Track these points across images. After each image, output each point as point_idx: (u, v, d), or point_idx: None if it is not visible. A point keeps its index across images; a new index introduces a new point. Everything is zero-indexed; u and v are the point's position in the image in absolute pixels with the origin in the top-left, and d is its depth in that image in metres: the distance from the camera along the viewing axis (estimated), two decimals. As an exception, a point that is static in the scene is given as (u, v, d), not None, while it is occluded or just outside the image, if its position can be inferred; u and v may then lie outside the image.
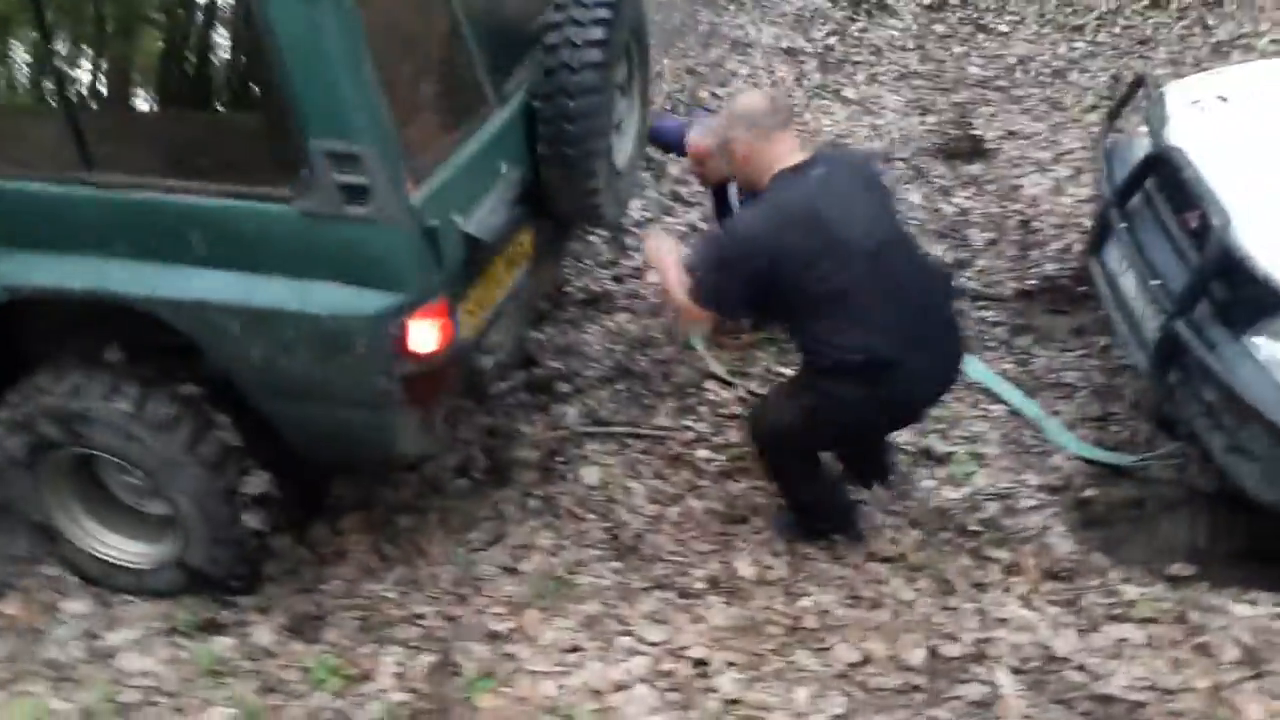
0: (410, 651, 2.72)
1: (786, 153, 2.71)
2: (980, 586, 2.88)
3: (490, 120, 2.81)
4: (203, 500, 2.78)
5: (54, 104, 2.43)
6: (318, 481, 3.39)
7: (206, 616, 2.93)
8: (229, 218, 2.45)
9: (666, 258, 2.88)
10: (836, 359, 2.66)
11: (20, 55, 2.47)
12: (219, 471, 2.77)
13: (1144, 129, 3.55)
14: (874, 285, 2.61)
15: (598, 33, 2.84)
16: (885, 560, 3.01)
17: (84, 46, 2.45)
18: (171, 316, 2.57)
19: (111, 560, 3.03)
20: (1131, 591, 2.79)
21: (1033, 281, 4.38)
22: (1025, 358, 4.01)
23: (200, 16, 2.39)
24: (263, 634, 2.85)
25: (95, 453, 2.81)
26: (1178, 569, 2.94)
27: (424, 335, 2.49)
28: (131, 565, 3.02)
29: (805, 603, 2.80)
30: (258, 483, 2.85)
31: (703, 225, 4.52)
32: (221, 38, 2.40)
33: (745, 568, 3.01)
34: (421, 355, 2.51)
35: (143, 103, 2.51)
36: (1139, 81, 3.78)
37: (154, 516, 2.99)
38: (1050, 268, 4.43)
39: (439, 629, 2.79)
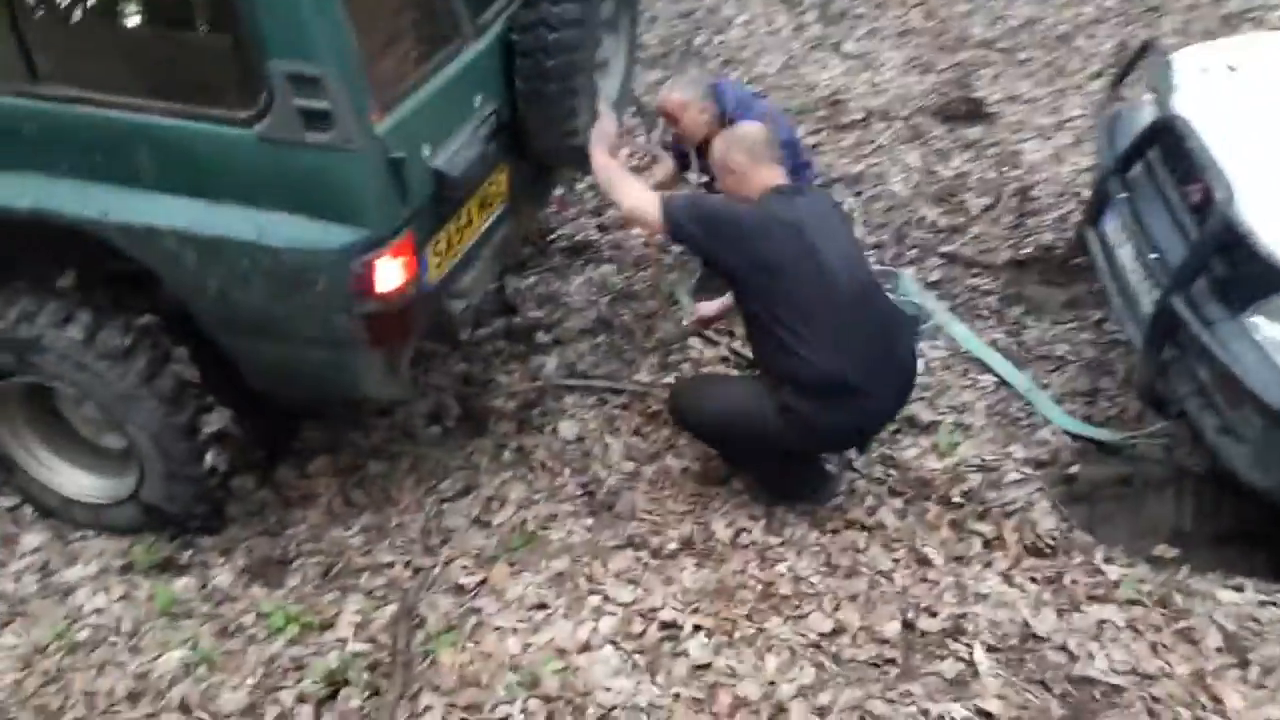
0: (373, 601, 2.64)
1: (773, 179, 2.84)
2: (960, 560, 2.80)
3: (465, 51, 2.65)
4: (159, 435, 2.67)
5: (2, 14, 2.26)
6: (285, 421, 3.28)
7: (165, 555, 2.85)
8: (184, 140, 2.31)
9: (616, 171, 2.94)
10: (804, 372, 2.68)
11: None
12: (176, 406, 2.66)
13: (1148, 96, 3.41)
14: (850, 317, 2.73)
15: (585, -39, 2.68)
16: (864, 529, 2.92)
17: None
18: (123, 242, 2.43)
19: (68, 494, 2.94)
20: (1114, 571, 2.71)
21: (1028, 250, 4.26)
22: (1016, 328, 3.90)
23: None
24: (223, 576, 2.77)
25: (49, 383, 2.70)
26: (1162, 550, 2.86)
27: (387, 273, 2.37)
28: (89, 500, 2.94)
29: (780, 568, 2.72)
30: (217, 419, 2.74)
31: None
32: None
33: (721, 530, 2.92)
34: (384, 294, 2.39)
35: (94, 13, 2.33)
36: (1145, 47, 3.64)
37: (112, 451, 2.89)
38: (1047, 237, 4.30)
39: (404, 580, 2.71)
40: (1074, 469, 3.13)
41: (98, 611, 2.64)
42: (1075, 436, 3.29)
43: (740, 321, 3.65)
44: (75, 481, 2.94)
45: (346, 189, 2.30)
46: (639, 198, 2.85)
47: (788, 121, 4.12)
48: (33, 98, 2.33)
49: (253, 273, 2.39)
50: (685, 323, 3.69)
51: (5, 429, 2.86)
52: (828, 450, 3.06)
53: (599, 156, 2.94)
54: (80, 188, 2.41)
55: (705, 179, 3.74)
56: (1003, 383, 3.58)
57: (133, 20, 2.32)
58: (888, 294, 3.75)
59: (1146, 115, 3.31)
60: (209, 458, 2.74)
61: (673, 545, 2.80)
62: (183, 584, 2.72)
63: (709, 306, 3.46)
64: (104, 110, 2.31)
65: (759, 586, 2.66)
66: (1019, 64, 5.41)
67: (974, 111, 5.08)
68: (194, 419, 2.70)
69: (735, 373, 3.55)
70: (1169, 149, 3.09)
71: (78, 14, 2.32)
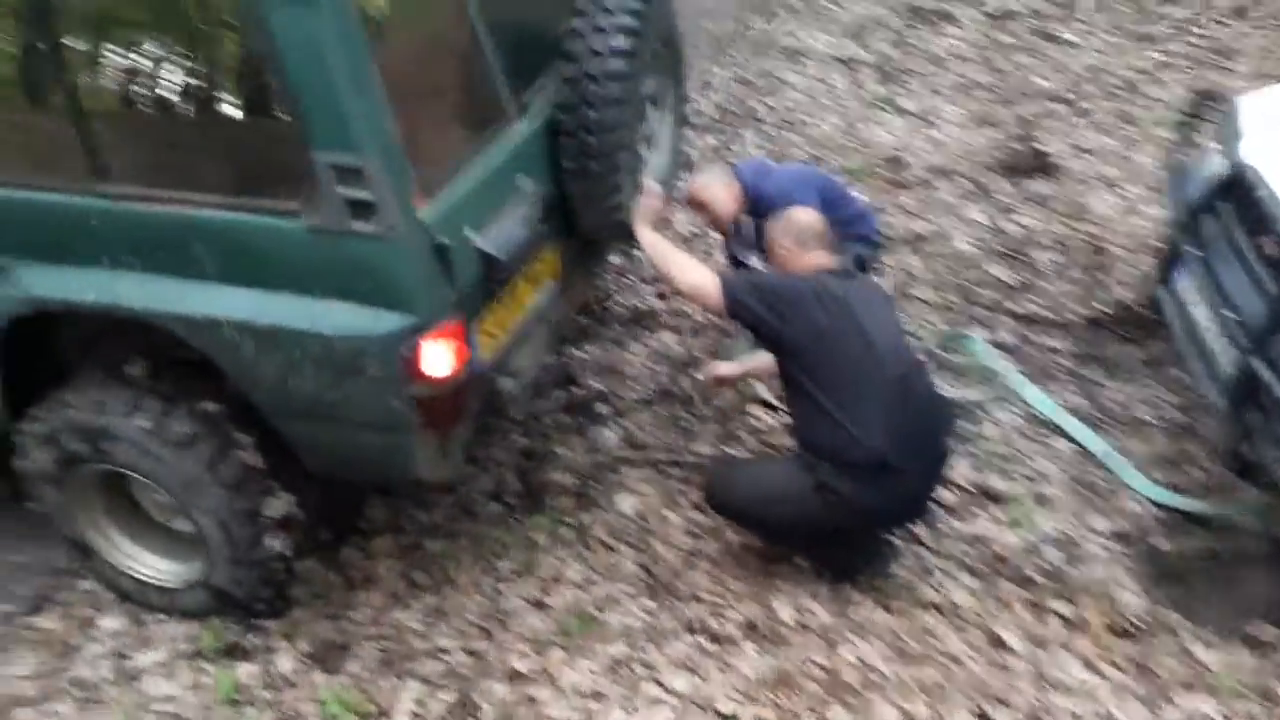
0: (430, 688, 2.60)
1: (822, 264, 2.93)
2: (1038, 643, 2.64)
3: (509, 132, 2.68)
4: (224, 521, 2.70)
5: (67, 116, 2.37)
6: (349, 503, 3.30)
7: (231, 640, 2.86)
8: (239, 232, 2.36)
9: (665, 248, 2.98)
10: (848, 449, 2.66)
11: (35, 68, 2.41)
12: (240, 492, 2.69)
13: (1216, 146, 3.28)
14: (896, 397, 2.72)
15: (622, 41, 2.69)
16: (935, 609, 2.79)
17: (96, 59, 2.37)
18: (184, 332, 2.49)
19: (143, 578, 2.98)
20: (1208, 656, 2.53)
21: (1102, 308, 4.10)
22: (1093, 389, 3.74)
23: (208, 28, 2.30)
24: (285, 661, 2.76)
25: (122, 469, 2.75)
26: (1259, 631, 2.66)
27: (437, 358, 2.37)
28: (162, 584, 2.97)
29: (845, 653, 2.60)
30: (280, 505, 2.77)
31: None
32: (229, 49, 2.30)
33: (785, 611, 2.82)
34: (434, 378, 2.39)
35: (153, 114, 2.42)
36: (1210, 95, 3.52)
37: (184, 535, 2.93)
38: (1122, 293, 4.15)
39: (461, 665, 2.66)
40: (1161, 543, 2.95)
41: (167, 698, 2.65)
42: (1161, 506, 3.12)
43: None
44: (149, 565, 2.98)
45: (392, 276, 2.32)
46: (695, 275, 2.87)
47: (840, 185, 4.08)
48: (98, 196, 2.42)
49: (306, 360, 2.42)
50: (702, 377, 3.63)
51: (83, 514, 2.92)
52: (867, 531, 2.97)
53: (645, 233, 2.95)
54: (144, 281, 2.47)
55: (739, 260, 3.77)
56: (1081, 449, 3.42)
57: (187, 120, 2.39)
58: (957, 356, 3.72)
59: (1215, 166, 3.18)
60: (272, 542, 2.77)
61: (733, 629, 2.70)
62: (246, 670, 2.72)
63: (728, 367, 3.45)
64: (163, 206, 2.38)
65: (822, 674, 2.55)
66: (1084, 114, 5.29)
67: (1039, 165, 4.97)
68: (257, 504, 2.73)
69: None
70: (1240, 200, 2.95)
71: (138, 117, 2.41)
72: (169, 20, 2.32)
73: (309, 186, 2.25)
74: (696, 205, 3.69)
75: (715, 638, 2.68)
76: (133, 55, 2.37)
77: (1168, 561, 2.87)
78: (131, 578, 2.96)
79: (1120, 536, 3.02)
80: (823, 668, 2.56)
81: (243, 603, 2.87)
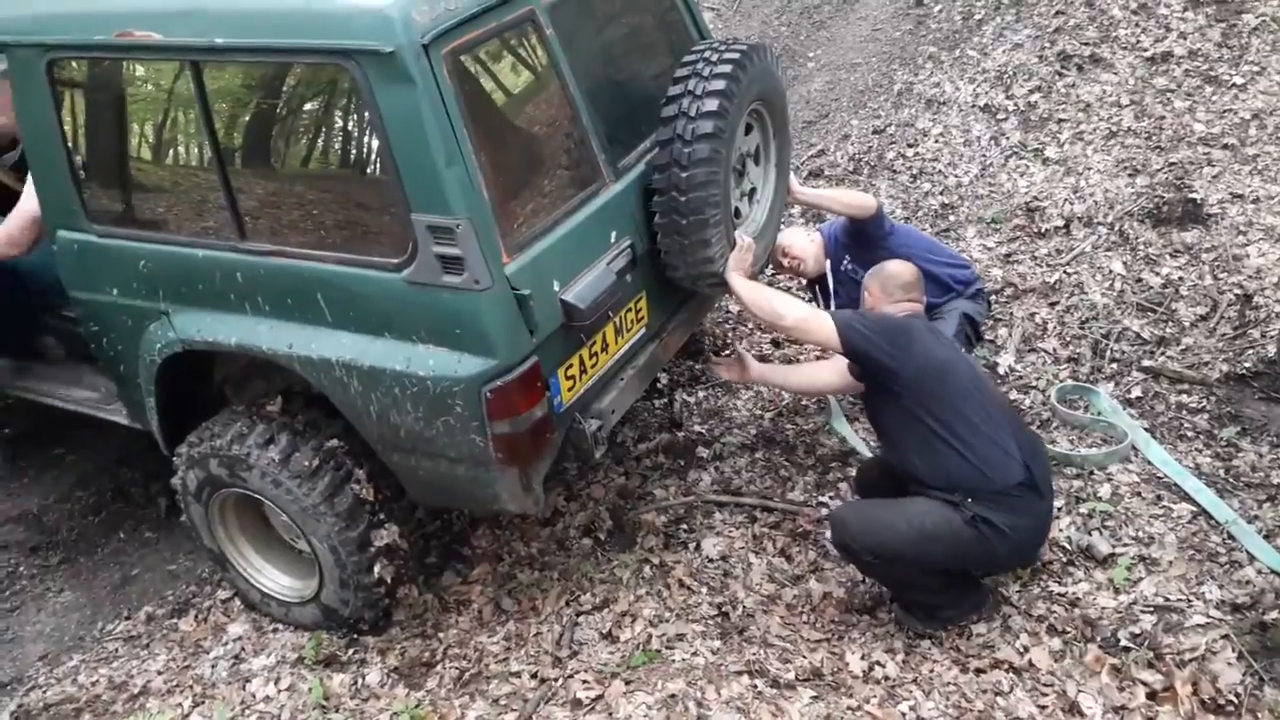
0: (496, 709, 2.76)
1: (911, 310, 3.06)
2: (1118, 712, 2.53)
3: (602, 193, 2.87)
4: (335, 546, 2.98)
5: (217, 184, 2.75)
6: (452, 533, 3.56)
7: (331, 652, 3.13)
8: (351, 284, 2.66)
9: (766, 292, 3.10)
10: (989, 477, 2.70)
11: (191, 149, 2.82)
12: (352, 522, 2.97)
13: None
14: (1010, 422, 2.84)
15: (712, 104, 2.84)
16: (1012, 670, 2.72)
17: (239, 140, 2.75)
18: (304, 371, 2.80)
19: (267, 590, 3.32)
20: (1305, 740, 2.35)
21: (1248, 364, 3.85)
22: (1228, 451, 3.52)
23: (326, 105, 2.63)
24: (373, 674, 3.00)
25: (255, 494, 3.08)
26: (1377, 719, 2.45)
27: (513, 398, 2.57)
28: (282, 597, 3.31)
29: (903, 708, 2.57)
30: (387, 534, 3.03)
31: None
32: (344, 124, 2.62)
33: (855, 661, 2.82)
34: (510, 417, 2.58)
35: (283, 183, 2.78)
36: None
37: (304, 555, 3.25)
38: (1273, 349, 3.87)
39: (528, 690, 2.82)
40: (1272, 615, 2.75)
41: (266, 699, 2.95)
42: (1285, 577, 2.91)
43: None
44: (273, 580, 3.32)
45: (477, 324, 2.54)
46: (802, 310, 2.99)
47: (929, 239, 4.22)
48: (241, 252, 2.79)
49: (404, 398, 2.68)
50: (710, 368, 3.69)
51: (221, 530, 3.29)
52: (1013, 565, 3.00)
53: (739, 282, 3.06)
54: (275, 326, 2.82)
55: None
56: (1202, 513, 3.23)
57: (312, 187, 2.72)
58: (1081, 413, 3.61)
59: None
60: (378, 569, 3.03)
61: (792, 675, 2.73)
62: (339, 680, 2.98)
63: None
64: (291, 261, 2.72)
65: (872, 725, 2.54)
66: (1247, 160, 4.97)
67: (1191, 214, 4.71)
68: (367, 534, 2.99)
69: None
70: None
71: (272, 185, 2.77)
72: (299, 103, 2.67)
73: (409, 244, 2.53)
74: (786, 258, 3.86)
75: (775, 682, 2.71)
76: (269, 135, 2.73)
77: (1277, 635, 2.67)
78: (258, 590, 3.30)
79: (1232, 608, 2.83)
80: (874, 719, 2.55)
81: (348, 620, 3.14)
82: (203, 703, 2.98)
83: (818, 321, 2.90)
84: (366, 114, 2.47)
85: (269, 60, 2.59)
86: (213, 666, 3.14)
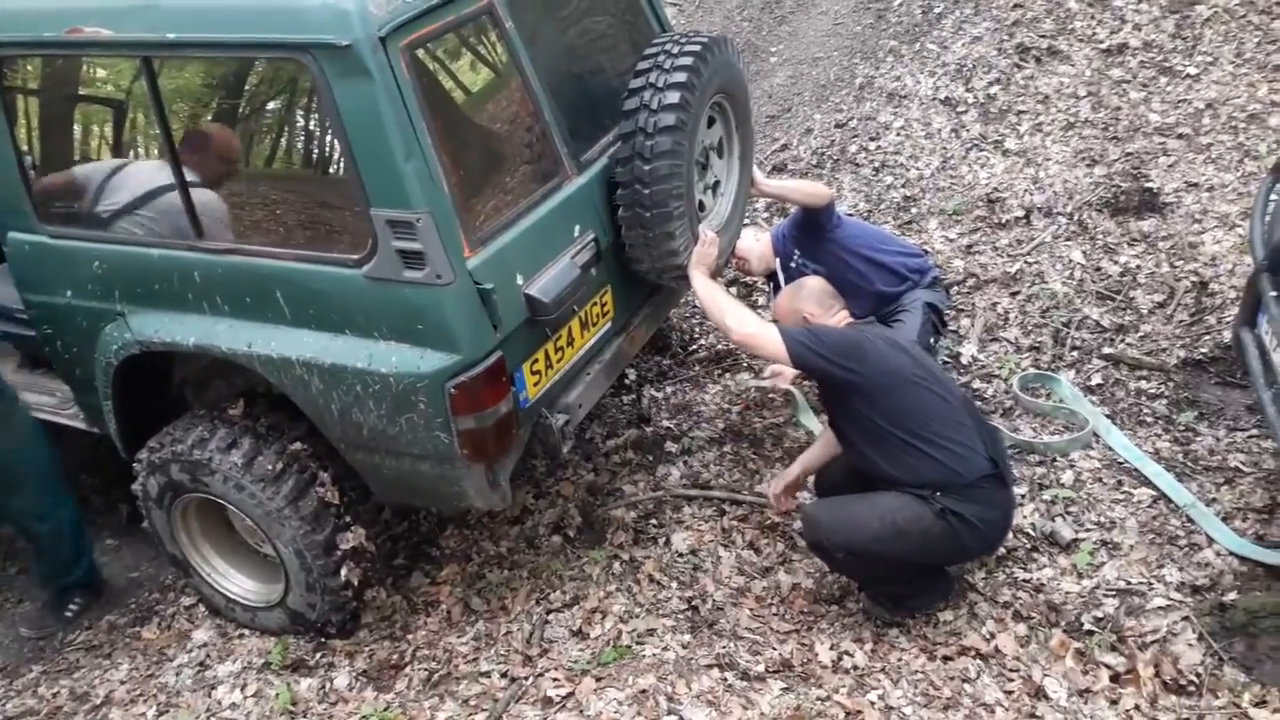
0: (465, 709, 2.74)
1: (846, 320, 3.09)
2: (1083, 695, 2.56)
3: (566, 187, 2.85)
4: (301, 550, 2.94)
5: (172, 182, 2.70)
6: (420, 534, 3.53)
7: (298, 656, 3.09)
8: (310, 282, 2.62)
9: (720, 297, 3.02)
10: (956, 472, 2.70)
11: (146, 147, 2.77)
12: (317, 525, 2.93)
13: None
14: (970, 414, 2.86)
15: (674, 97, 2.84)
16: (979, 656, 2.74)
17: (196, 136, 2.71)
18: (264, 371, 2.76)
19: (232, 595, 3.27)
20: (1264, 718, 2.38)
21: (1205, 350, 3.92)
22: (1186, 436, 3.57)
23: (282, 100, 2.59)
24: (341, 678, 2.97)
25: (217, 499, 3.03)
26: (1333, 695, 2.49)
27: (477, 394, 2.55)
28: (247, 602, 3.26)
29: (872, 696, 2.59)
30: (353, 537, 2.99)
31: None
32: (302, 119, 2.59)
33: (824, 652, 2.83)
34: (476, 413, 2.56)
35: (240, 182, 2.73)
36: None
37: (269, 559, 3.20)
38: (1228, 335, 3.94)
39: (498, 690, 2.80)
40: (1232, 597, 2.79)
41: (233, 706, 2.91)
42: (1242, 559, 2.95)
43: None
44: (238, 584, 3.27)
45: (439, 319, 2.52)
46: (752, 325, 2.92)
47: (877, 230, 4.29)
48: (198, 251, 2.74)
49: (366, 396, 2.65)
50: (770, 497, 3.36)
51: (184, 536, 3.23)
52: (980, 554, 3.01)
53: (699, 283, 3.04)
54: (234, 325, 2.77)
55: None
56: (1162, 497, 3.28)
57: (270, 183, 2.68)
58: (1044, 400, 3.74)
59: (1303, 204, 3.03)
60: (345, 572, 2.99)
61: (761, 667, 2.73)
62: (307, 684, 2.94)
63: (788, 476, 3.29)
64: (250, 259, 2.68)
65: (842, 714, 2.54)
66: (1201, 149, 5.05)
67: (1148, 203, 4.78)
68: (332, 537, 2.95)
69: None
70: (1322, 240, 2.81)
71: (229, 184, 2.73)
72: (255, 98, 2.63)
73: (369, 240, 2.50)
74: (738, 260, 3.90)
75: (745, 674, 2.71)
76: (226, 131, 2.69)
77: (1235, 616, 2.71)
78: (223, 595, 3.25)
79: (1191, 589, 2.88)
80: (844, 708, 2.56)
81: (315, 624, 3.11)
82: (167, 711, 2.94)
83: (766, 338, 2.84)
84: (324, 109, 2.44)
85: (223, 55, 2.55)
86: (177, 674, 3.08)
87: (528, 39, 2.79)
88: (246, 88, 2.62)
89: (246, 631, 3.25)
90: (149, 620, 3.46)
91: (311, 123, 2.56)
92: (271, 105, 2.62)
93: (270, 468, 2.89)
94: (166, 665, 3.19)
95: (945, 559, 2.93)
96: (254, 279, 2.69)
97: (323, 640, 3.14)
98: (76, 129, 2.90)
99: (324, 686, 2.93)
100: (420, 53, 2.49)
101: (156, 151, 2.71)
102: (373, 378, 2.61)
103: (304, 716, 2.81)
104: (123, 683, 3.10)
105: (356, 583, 3.03)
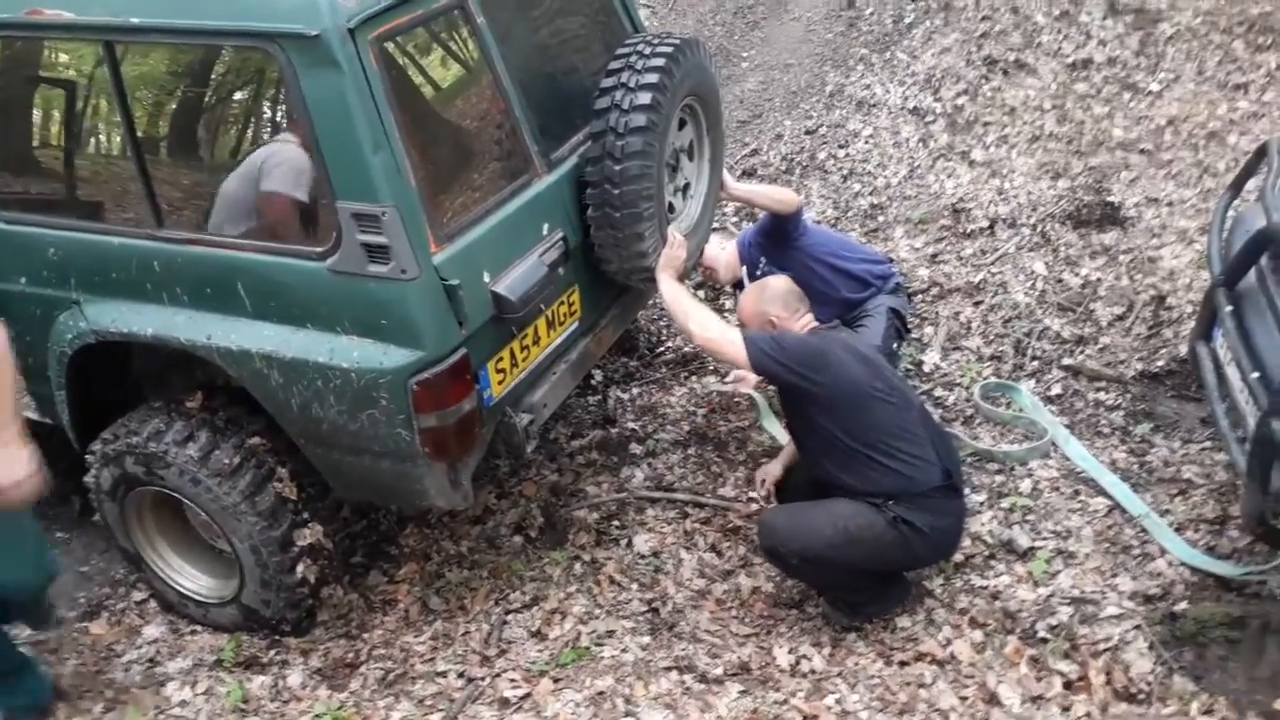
0: (420, 709, 2.71)
1: (811, 323, 3.04)
2: (1035, 701, 2.58)
3: (535, 185, 2.84)
4: (257, 547, 2.90)
5: (134, 171, 2.65)
6: (379, 532, 3.49)
7: (251, 654, 3.04)
8: (272, 274, 2.58)
9: (686, 301, 3.02)
10: (911, 481, 2.72)
11: (107, 134, 2.71)
12: (274, 521, 2.88)
13: (1258, 201, 3.18)
14: (927, 424, 2.89)
15: (645, 97, 2.83)
16: (935, 662, 2.76)
17: (157, 125, 2.66)
18: (222, 363, 2.72)
19: (185, 591, 3.21)
20: (1213, 727, 2.43)
21: (1161, 363, 3.98)
22: (1142, 447, 3.63)
23: (248, 89, 2.55)
24: (295, 676, 2.93)
25: (173, 493, 2.97)
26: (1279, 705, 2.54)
27: (441, 391, 2.52)
28: (200, 598, 3.20)
29: (829, 700, 2.60)
30: (310, 534, 2.95)
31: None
32: (266, 107, 2.55)
33: (782, 656, 2.83)
34: (439, 410, 2.54)
35: (203, 171, 2.69)
36: (1262, 150, 3.40)
37: (224, 554, 3.14)
38: (1185, 348, 4.00)
39: (454, 690, 2.77)
40: (1183, 606, 2.84)
41: (183, 704, 2.85)
42: (1194, 569, 3.00)
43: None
44: (191, 580, 3.21)
45: (403, 314, 2.49)
46: (715, 331, 2.91)
47: (841, 237, 4.32)
48: (158, 240, 2.69)
49: (327, 391, 2.61)
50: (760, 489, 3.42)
51: (138, 529, 3.17)
52: (932, 561, 3.03)
53: (666, 283, 3.03)
54: (193, 316, 2.73)
55: None
56: (1117, 507, 3.33)
57: (232, 173, 2.64)
58: (1004, 409, 3.79)
59: (1259, 221, 3.08)
60: (301, 569, 2.95)
61: (720, 670, 2.74)
62: (259, 682, 2.90)
63: (774, 468, 3.37)
64: (211, 249, 2.63)
65: (799, 719, 2.55)
66: (1162, 165, 5.14)
67: (1109, 216, 4.86)
68: (289, 533, 2.91)
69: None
70: (1275, 255, 2.86)
71: (192, 173, 2.68)
72: (220, 87, 2.59)
73: (333, 232, 2.47)
74: (706, 268, 3.92)
75: (703, 677, 2.71)
76: (188, 119, 2.64)
77: (1185, 625, 2.76)
78: (176, 590, 3.19)
79: (1144, 599, 2.92)
80: (801, 712, 2.56)
81: (269, 621, 3.06)
82: (114, 708, 2.87)
83: (728, 343, 2.85)
84: (291, 99, 2.40)
85: (189, 43, 2.51)
86: (126, 670, 3.02)
87: (500, 36, 2.77)
88: (212, 76, 2.57)
89: (199, 628, 3.19)
90: (98, 615, 3.37)
91: (278, 113, 2.52)
92: (236, 93, 2.58)
93: (227, 462, 2.84)
94: (115, 661, 3.12)
95: (898, 566, 2.96)
96: (215, 269, 2.64)
97: (277, 638, 3.09)
98: (34, 113, 2.83)
99: (277, 684, 2.88)
100: (390, 45, 2.47)
101: (118, 139, 2.65)
102: (334, 372, 2.58)
103: (256, 715, 2.77)
104: (71, 679, 3.02)
105: (313, 580, 2.99)
